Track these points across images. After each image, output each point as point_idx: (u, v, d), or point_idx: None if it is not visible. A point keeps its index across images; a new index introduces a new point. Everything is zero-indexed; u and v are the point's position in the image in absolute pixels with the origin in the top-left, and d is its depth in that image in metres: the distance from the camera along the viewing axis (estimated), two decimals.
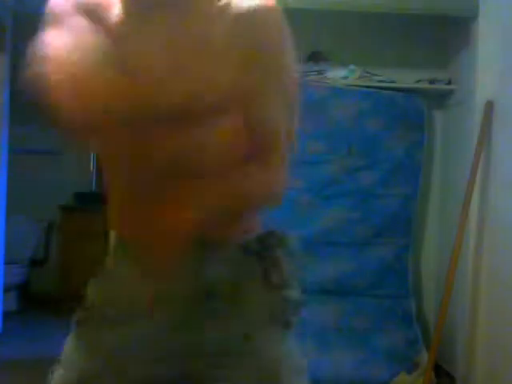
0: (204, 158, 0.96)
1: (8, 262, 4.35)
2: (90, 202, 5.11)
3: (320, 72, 3.27)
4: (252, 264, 1.08)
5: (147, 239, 1.02)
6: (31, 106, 0.92)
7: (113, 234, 1.16)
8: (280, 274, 1.12)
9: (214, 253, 1.03)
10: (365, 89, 3.28)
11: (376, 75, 3.33)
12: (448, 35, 3.42)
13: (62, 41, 0.99)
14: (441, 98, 3.50)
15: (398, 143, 3.28)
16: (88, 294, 1.13)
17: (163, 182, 0.97)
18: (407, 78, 3.37)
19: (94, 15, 0.96)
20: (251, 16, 0.98)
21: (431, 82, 3.37)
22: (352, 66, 3.30)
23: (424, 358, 3.08)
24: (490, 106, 2.97)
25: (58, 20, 1.13)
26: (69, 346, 1.12)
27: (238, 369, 1.03)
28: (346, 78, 3.29)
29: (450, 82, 3.37)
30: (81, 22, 0.99)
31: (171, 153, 0.95)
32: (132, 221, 1.06)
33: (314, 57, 3.37)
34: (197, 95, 0.92)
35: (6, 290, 4.38)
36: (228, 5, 0.95)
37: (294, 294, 1.15)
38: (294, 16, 3.63)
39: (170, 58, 0.91)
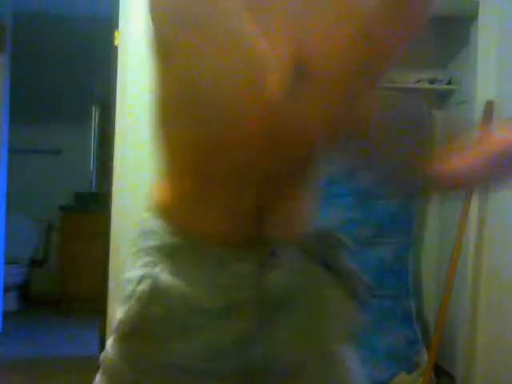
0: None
1: (8, 262, 4.35)
2: (90, 202, 5.12)
3: None
4: (321, 271, 1.02)
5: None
6: None
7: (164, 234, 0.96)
8: (356, 283, 1.06)
9: (280, 257, 0.94)
10: None
11: None
12: (448, 35, 3.42)
13: None
14: (441, 98, 3.50)
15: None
16: (137, 303, 0.93)
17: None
18: (407, 78, 3.37)
19: None
20: None
21: (431, 81, 3.37)
22: None
23: (424, 357, 3.09)
24: (489, 106, 2.97)
25: None
26: (113, 353, 0.95)
27: None
28: None
29: (450, 82, 3.37)
30: None
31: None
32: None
33: None
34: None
35: (6, 290, 4.38)
36: None
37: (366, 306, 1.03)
38: None
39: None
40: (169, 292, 0.90)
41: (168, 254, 0.94)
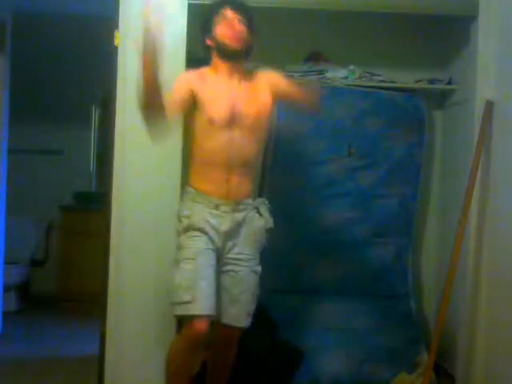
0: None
1: (8, 262, 4.35)
2: (90, 201, 5.12)
3: (320, 72, 3.27)
4: (254, 212, 2.46)
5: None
6: None
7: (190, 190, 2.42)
8: (266, 220, 2.49)
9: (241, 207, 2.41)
10: (365, 89, 3.28)
11: (376, 75, 3.33)
12: (448, 35, 3.42)
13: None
14: (441, 98, 3.50)
15: (398, 143, 3.28)
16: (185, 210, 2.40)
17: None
18: (407, 78, 3.37)
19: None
20: (269, 75, 2.50)
21: (431, 81, 3.37)
22: (352, 66, 3.30)
23: (424, 357, 3.08)
24: (489, 106, 2.97)
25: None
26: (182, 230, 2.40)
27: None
28: (346, 78, 3.29)
29: (450, 82, 3.37)
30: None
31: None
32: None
33: (314, 57, 3.37)
34: (253, 113, 2.40)
35: (6, 289, 4.38)
36: (256, 73, 2.48)
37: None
38: (294, 16, 3.65)
39: (246, 98, 2.41)
40: (196, 214, 2.37)
41: (194, 200, 2.39)
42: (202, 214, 2.35)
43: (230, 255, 2.39)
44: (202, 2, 2.80)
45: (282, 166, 3.15)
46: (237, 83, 2.41)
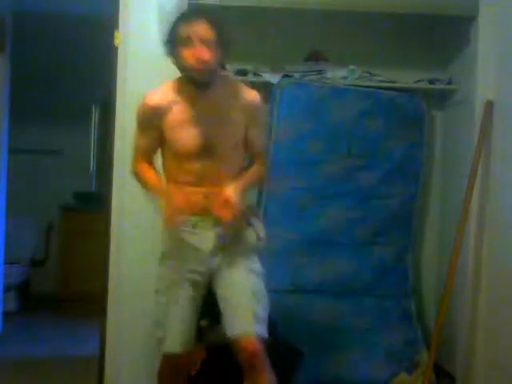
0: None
1: (8, 262, 4.35)
2: (89, 202, 5.12)
3: (320, 72, 3.27)
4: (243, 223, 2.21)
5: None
6: None
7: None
8: (258, 231, 2.25)
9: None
10: (365, 89, 3.27)
11: (376, 75, 3.33)
12: (448, 35, 3.42)
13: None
14: (441, 98, 3.50)
15: (398, 143, 3.28)
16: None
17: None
18: (407, 78, 3.37)
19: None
20: (250, 102, 2.19)
21: (431, 81, 3.37)
22: (352, 66, 3.30)
23: (424, 357, 3.08)
24: (489, 106, 2.97)
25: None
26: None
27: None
28: (345, 78, 3.29)
29: (450, 82, 3.37)
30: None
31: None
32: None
33: (314, 57, 3.37)
34: (228, 141, 2.16)
35: (6, 289, 4.38)
36: (236, 87, 2.21)
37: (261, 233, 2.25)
38: (294, 16, 3.64)
39: (217, 123, 2.14)
40: (171, 238, 2.22)
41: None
42: (177, 236, 2.16)
43: (220, 267, 2.18)
44: (202, 2, 2.81)
45: (281, 166, 3.15)
46: (208, 106, 2.11)
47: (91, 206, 4.99)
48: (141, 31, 2.92)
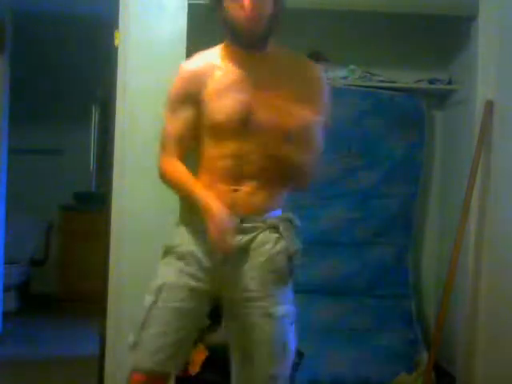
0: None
1: (8, 262, 4.35)
2: (90, 202, 5.12)
3: None
4: (270, 233, 1.75)
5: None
6: None
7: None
8: (289, 242, 1.76)
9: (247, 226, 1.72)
10: (365, 89, 3.28)
11: (376, 75, 3.33)
12: (448, 35, 3.41)
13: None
14: (441, 98, 3.50)
15: (398, 143, 3.28)
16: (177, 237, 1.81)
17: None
18: (407, 78, 3.37)
19: None
20: (313, 76, 1.80)
21: (431, 81, 3.37)
22: (352, 66, 3.30)
23: (424, 358, 3.08)
24: (489, 106, 2.97)
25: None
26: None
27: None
28: (345, 77, 3.29)
29: (450, 82, 3.37)
30: None
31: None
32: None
33: (314, 57, 3.36)
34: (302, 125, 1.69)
35: (6, 289, 4.38)
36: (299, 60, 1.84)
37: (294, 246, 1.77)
38: (294, 16, 3.63)
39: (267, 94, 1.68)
40: (180, 237, 1.79)
41: (183, 220, 1.82)
42: (187, 237, 1.76)
43: (233, 295, 1.74)
44: (202, 2, 2.80)
45: None
46: (257, 71, 1.71)
47: (91, 206, 4.99)
48: (141, 31, 2.92)
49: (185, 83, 1.77)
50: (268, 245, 1.73)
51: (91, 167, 5.45)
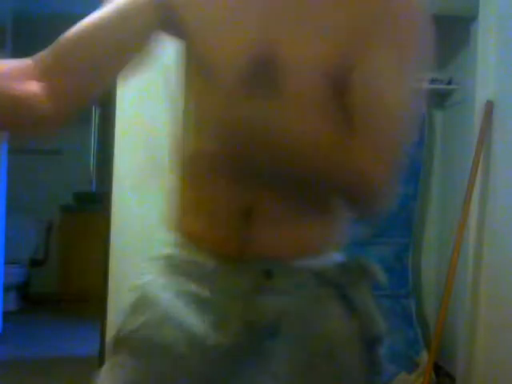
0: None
1: (8, 262, 4.35)
2: (90, 202, 5.12)
3: None
4: (329, 299, 0.86)
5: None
6: None
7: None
8: (369, 319, 0.92)
9: (277, 278, 0.82)
10: None
11: None
12: (448, 35, 3.41)
13: None
14: (441, 98, 3.50)
15: None
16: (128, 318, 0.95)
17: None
18: None
19: None
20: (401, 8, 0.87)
21: (431, 82, 3.37)
22: None
23: (424, 358, 3.08)
24: (489, 106, 2.97)
25: None
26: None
27: None
28: None
29: (450, 82, 3.37)
30: None
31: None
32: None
33: None
34: (309, 60, 0.80)
35: (6, 289, 4.38)
36: None
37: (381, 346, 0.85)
38: None
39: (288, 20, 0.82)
40: (153, 304, 0.90)
41: (169, 264, 0.96)
42: (164, 295, 0.95)
43: None
44: None
45: None
46: None
47: (91, 206, 4.99)
48: None
49: None
50: (322, 320, 0.92)
51: (91, 167, 5.44)
